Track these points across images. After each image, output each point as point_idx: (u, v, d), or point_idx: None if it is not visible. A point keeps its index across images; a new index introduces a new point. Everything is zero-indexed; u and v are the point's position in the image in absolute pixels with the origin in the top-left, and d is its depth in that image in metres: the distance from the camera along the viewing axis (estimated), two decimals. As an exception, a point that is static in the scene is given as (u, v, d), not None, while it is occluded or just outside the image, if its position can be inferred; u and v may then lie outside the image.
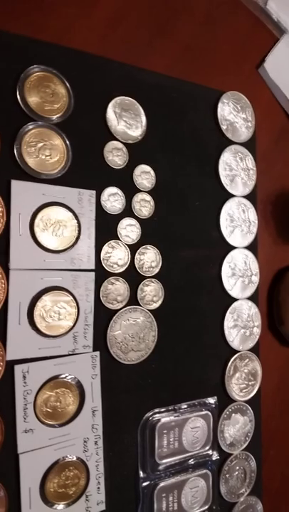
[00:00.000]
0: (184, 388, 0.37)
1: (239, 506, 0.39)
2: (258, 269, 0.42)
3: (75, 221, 0.31)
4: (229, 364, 0.39)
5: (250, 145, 0.42)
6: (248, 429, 0.40)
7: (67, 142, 0.31)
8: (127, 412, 0.34)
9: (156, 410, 0.35)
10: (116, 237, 0.34)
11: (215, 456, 0.38)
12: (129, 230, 0.34)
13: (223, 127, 0.40)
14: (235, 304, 0.40)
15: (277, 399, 0.44)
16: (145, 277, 0.35)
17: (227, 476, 0.38)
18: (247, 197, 0.42)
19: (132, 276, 0.34)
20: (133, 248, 0.34)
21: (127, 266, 0.34)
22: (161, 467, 0.35)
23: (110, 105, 0.34)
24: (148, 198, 0.35)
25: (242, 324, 0.40)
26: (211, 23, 0.42)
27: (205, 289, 0.38)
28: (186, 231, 0.38)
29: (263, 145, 0.44)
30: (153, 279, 0.35)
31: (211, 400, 0.38)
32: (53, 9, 0.33)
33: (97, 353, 0.32)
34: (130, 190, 0.35)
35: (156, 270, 0.35)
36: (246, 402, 0.40)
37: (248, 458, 0.40)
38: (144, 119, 0.35)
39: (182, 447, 0.36)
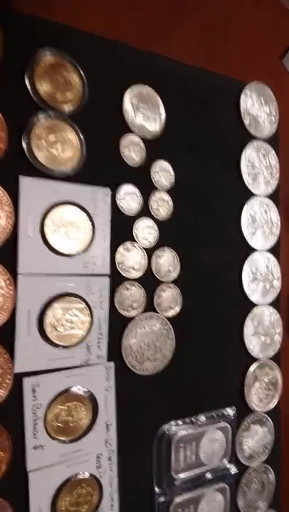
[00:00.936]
0: (201, 399, 0.35)
1: (256, 521, 0.38)
2: (280, 274, 0.39)
3: (89, 222, 0.29)
4: (249, 373, 0.37)
5: (273, 141, 0.40)
6: (267, 441, 0.38)
7: (81, 136, 0.28)
8: (142, 425, 0.32)
9: (173, 423, 0.33)
10: (132, 239, 0.31)
11: (233, 470, 0.36)
12: (146, 232, 0.32)
13: (246, 122, 0.37)
14: (255, 310, 0.37)
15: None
16: (162, 282, 0.32)
17: (245, 489, 0.37)
18: (269, 196, 0.39)
19: (149, 281, 0.32)
20: (150, 251, 0.32)
21: (143, 270, 0.31)
22: (177, 482, 0.33)
23: (127, 95, 0.31)
24: (166, 197, 0.33)
25: (263, 331, 0.38)
26: (234, 10, 0.39)
27: (225, 295, 0.36)
28: (205, 233, 0.35)
29: (286, 141, 0.41)
30: (171, 285, 0.33)
31: (230, 412, 0.36)
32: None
33: (112, 364, 0.30)
34: (148, 188, 0.32)
35: (174, 275, 0.33)
36: (266, 412, 0.38)
37: (266, 470, 0.38)
38: (162, 111, 0.33)
39: (199, 461, 0.34)
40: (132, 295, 0.31)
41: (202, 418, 0.34)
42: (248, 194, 0.37)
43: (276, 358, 0.38)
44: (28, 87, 0.27)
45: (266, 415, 0.37)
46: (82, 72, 0.29)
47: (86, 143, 0.29)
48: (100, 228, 0.29)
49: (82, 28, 0.29)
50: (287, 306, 0.40)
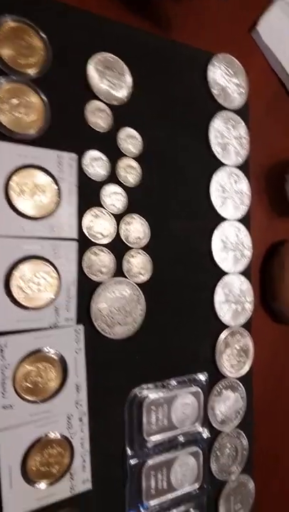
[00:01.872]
0: (173, 364, 0.35)
1: (230, 484, 0.38)
2: (251, 243, 0.40)
3: (55, 186, 0.29)
4: (220, 340, 0.37)
5: (242, 112, 0.40)
6: (239, 406, 0.39)
7: (45, 99, 0.29)
8: (113, 388, 0.32)
9: (145, 386, 0.34)
10: (100, 205, 0.32)
11: (205, 434, 0.36)
12: (114, 198, 0.32)
13: (215, 92, 0.38)
14: (226, 279, 0.38)
15: (269, 376, 0.42)
16: (132, 249, 0.33)
17: (218, 453, 0.37)
18: (239, 167, 0.40)
19: (118, 248, 0.32)
20: (119, 218, 0.32)
21: (112, 236, 0.32)
22: (149, 444, 0.33)
23: (92, 62, 0.31)
24: (134, 164, 0.33)
25: (234, 299, 0.39)
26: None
27: (195, 263, 0.37)
28: (175, 201, 0.36)
29: (256, 113, 0.42)
30: (140, 251, 0.33)
31: (202, 377, 0.36)
32: None
33: (81, 327, 0.30)
34: (115, 155, 0.32)
35: (144, 242, 0.33)
36: (238, 378, 0.38)
37: (239, 435, 0.39)
38: (129, 79, 0.33)
39: (171, 424, 0.35)
40: (101, 260, 0.32)
41: (173, 382, 0.35)
42: (218, 164, 0.38)
43: (247, 326, 0.39)
44: (-11, 50, 0.27)
45: (238, 381, 0.38)
46: (45, 37, 0.29)
47: (51, 107, 0.29)
48: (67, 193, 0.30)
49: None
50: (258, 276, 0.41)
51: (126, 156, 0.33)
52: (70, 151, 0.30)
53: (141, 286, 0.33)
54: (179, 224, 0.36)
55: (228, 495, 0.38)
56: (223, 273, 0.38)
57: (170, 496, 0.34)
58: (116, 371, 0.32)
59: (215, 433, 0.37)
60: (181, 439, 0.35)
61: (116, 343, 0.32)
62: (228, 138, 0.39)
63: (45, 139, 0.29)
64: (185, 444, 0.35)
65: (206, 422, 0.37)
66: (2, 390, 0.27)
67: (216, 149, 0.38)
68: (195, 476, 0.36)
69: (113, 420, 0.32)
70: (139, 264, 0.33)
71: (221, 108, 0.38)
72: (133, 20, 0.34)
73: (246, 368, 0.39)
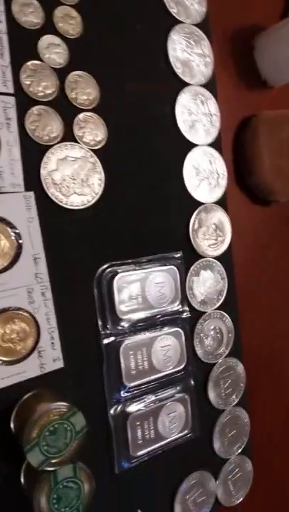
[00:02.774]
0: (142, 241, 0.33)
1: (218, 367, 0.37)
2: (219, 114, 0.36)
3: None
4: (193, 216, 0.35)
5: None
6: (220, 287, 0.37)
7: None
8: (78, 263, 0.30)
9: (114, 263, 0.32)
10: (38, 59, 0.28)
11: (185, 314, 0.35)
12: (53, 50, 0.29)
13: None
14: (195, 151, 0.35)
15: (252, 259, 0.40)
16: (82, 110, 0.30)
17: (201, 335, 0.36)
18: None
19: (66, 109, 0.29)
20: (62, 74, 0.29)
21: (56, 94, 0.29)
22: (124, 323, 0.31)
23: None
24: (74, 13, 0.30)
25: (205, 174, 0.36)
26: None
27: (158, 131, 0.33)
28: (127, 60, 0.32)
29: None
30: (92, 114, 0.30)
31: (176, 255, 0.35)
32: None
33: (31, 193, 0.28)
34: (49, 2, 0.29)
35: (95, 103, 0.30)
36: (216, 258, 0.36)
37: (223, 317, 0.37)
38: None
39: (147, 303, 0.32)
40: (48, 122, 0.28)
41: (144, 260, 0.33)
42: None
43: (223, 203, 0.37)
44: None
45: (216, 261, 0.36)
46: None
47: None
48: None
49: None
50: (231, 154, 0.39)
51: (63, 3, 0.29)
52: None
53: (97, 152, 0.30)
54: (136, 86, 0.32)
55: (218, 378, 0.37)
56: (191, 144, 0.35)
57: (153, 377, 0.33)
58: (79, 245, 0.30)
59: (197, 314, 0.35)
60: (160, 318, 0.33)
61: (75, 214, 0.29)
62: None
63: None
64: (164, 323, 0.33)
65: (185, 302, 0.35)
66: None
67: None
68: (178, 358, 0.34)
69: (81, 297, 0.30)
70: (92, 129, 0.30)
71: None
72: None
73: (224, 247, 0.37)
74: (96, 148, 0.30)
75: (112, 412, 0.31)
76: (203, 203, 0.35)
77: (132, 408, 0.32)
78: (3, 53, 0.27)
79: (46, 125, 0.28)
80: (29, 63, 0.28)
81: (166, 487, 0.34)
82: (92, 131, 0.30)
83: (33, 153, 0.28)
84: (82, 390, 0.30)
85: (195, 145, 0.35)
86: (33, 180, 0.28)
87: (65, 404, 0.26)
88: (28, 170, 0.28)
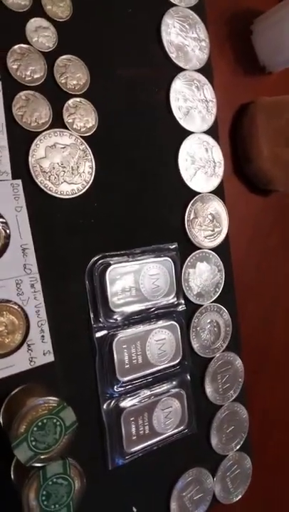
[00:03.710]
0: (136, 232, 0.32)
1: (216, 362, 0.36)
2: (215, 99, 0.35)
3: None
4: (189, 206, 0.34)
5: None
6: (217, 280, 0.36)
7: None
8: (68, 254, 0.29)
9: (106, 254, 0.31)
10: (25, 42, 0.27)
11: (181, 307, 0.34)
12: (41, 33, 0.28)
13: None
14: (191, 139, 0.34)
15: (251, 251, 0.39)
16: (71, 95, 0.29)
17: (198, 329, 0.35)
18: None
19: (55, 94, 0.28)
20: (51, 58, 0.28)
21: (44, 79, 0.28)
22: (116, 316, 0.31)
23: None
24: (62, -5, 0.29)
25: (201, 163, 0.35)
26: None
27: (152, 118, 0.32)
28: (119, 44, 0.31)
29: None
30: (82, 99, 0.29)
31: (171, 246, 0.34)
32: None
33: (19, 181, 0.27)
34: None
35: (86, 88, 0.29)
36: (212, 249, 0.35)
37: (220, 310, 0.36)
38: None
39: (141, 295, 0.31)
40: (36, 108, 0.27)
41: (137, 251, 0.32)
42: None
43: (219, 193, 0.36)
44: None
45: (212, 252, 0.35)
46: None
47: None
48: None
49: None
50: (228, 139, 0.37)
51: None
52: None
53: (87, 140, 0.29)
54: (127, 71, 0.31)
55: (215, 373, 0.36)
56: (187, 132, 0.34)
57: (147, 371, 0.32)
58: (69, 236, 0.29)
59: (193, 307, 0.34)
60: (154, 311, 0.32)
61: (65, 204, 0.28)
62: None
63: None
64: (159, 316, 0.33)
65: (180, 295, 0.34)
66: None
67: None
68: (174, 352, 0.33)
69: (72, 289, 0.29)
70: (82, 115, 0.29)
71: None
72: None
73: (221, 239, 0.35)
74: (87, 135, 0.29)
75: (105, 407, 0.30)
76: (199, 193, 0.34)
77: (126, 403, 0.31)
78: (-11, 36, 0.26)
79: (34, 111, 0.27)
80: (16, 47, 0.27)
81: (162, 484, 0.33)
82: (83, 117, 0.29)
83: (20, 140, 0.27)
84: (73, 384, 0.29)
85: (191, 132, 0.34)
86: (20, 168, 0.27)
87: (54, 398, 0.25)
88: (16, 157, 0.27)
